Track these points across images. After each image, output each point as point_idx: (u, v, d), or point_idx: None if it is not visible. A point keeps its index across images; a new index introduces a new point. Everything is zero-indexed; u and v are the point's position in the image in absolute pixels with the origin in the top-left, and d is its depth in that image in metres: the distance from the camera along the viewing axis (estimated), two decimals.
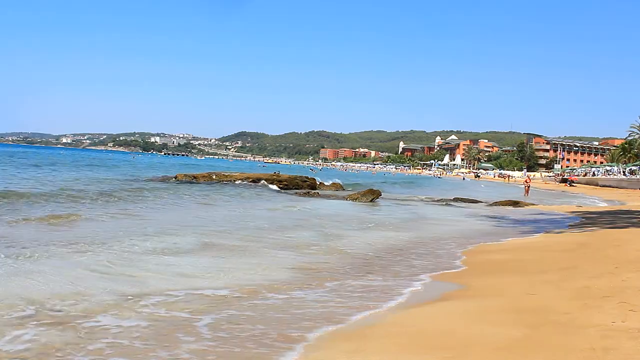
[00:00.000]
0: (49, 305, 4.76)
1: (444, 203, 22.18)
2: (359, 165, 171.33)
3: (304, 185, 26.08)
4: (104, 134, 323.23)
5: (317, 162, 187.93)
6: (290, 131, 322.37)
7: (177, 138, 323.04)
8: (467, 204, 22.48)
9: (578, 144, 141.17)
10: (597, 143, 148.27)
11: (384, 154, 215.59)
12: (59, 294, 5.12)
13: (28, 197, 13.76)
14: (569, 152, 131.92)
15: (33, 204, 12.68)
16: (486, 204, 22.38)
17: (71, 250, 7.31)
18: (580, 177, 71.68)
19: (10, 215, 10.46)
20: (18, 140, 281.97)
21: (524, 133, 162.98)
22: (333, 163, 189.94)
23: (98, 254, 7.07)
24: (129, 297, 5.21)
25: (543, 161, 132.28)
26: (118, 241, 8.08)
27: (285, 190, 24.33)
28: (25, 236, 8.27)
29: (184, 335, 4.27)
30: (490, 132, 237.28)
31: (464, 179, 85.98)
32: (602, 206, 25.22)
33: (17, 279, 5.56)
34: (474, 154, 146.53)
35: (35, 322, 4.32)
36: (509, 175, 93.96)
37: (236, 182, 26.08)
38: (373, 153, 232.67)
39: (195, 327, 4.48)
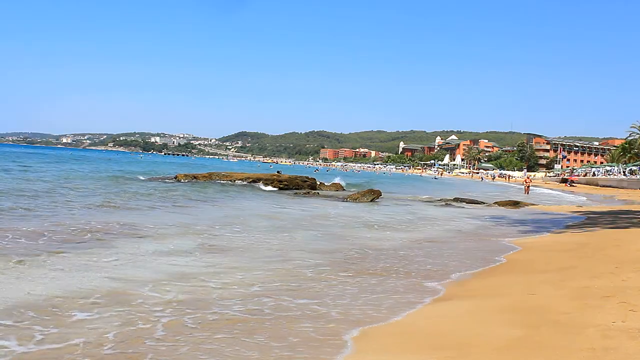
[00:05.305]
0: None
1: (443, 204, 22.15)
2: (359, 165, 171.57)
3: (304, 186, 26.04)
4: (104, 134, 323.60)
5: (317, 162, 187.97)
6: (290, 131, 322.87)
7: (177, 138, 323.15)
8: (467, 204, 22.46)
9: (578, 144, 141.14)
10: (597, 143, 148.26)
11: (384, 154, 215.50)
12: None
13: None
14: (569, 152, 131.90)
15: None
16: (487, 205, 22.36)
17: None
18: (581, 177, 71.63)
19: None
20: (18, 140, 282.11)
21: (524, 133, 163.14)
22: (333, 163, 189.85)
23: None
24: None
25: (543, 161, 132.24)
26: None
27: (286, 190, 24.34)
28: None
29: None
30: (490, 132, 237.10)
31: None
32: (603, 206, 25.20)
33: None
34: (474, 154, 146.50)
35: None
36: (509, 176, 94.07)
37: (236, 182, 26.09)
38: (373, 153, 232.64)
39: None
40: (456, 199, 24.08)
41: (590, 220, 15.83)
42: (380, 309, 5.27)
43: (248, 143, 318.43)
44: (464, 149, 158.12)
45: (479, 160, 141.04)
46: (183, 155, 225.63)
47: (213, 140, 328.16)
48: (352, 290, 6.00)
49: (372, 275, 6.86)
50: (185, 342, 4.12)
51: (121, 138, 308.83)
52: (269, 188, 24.74)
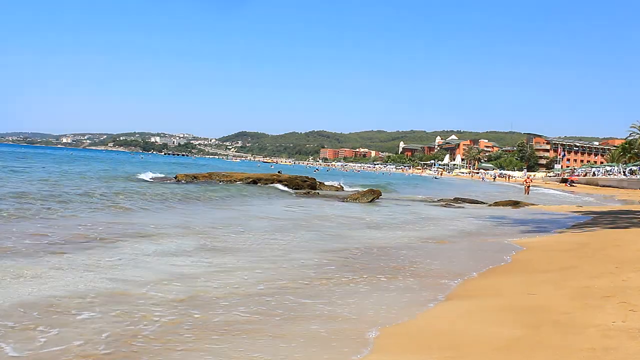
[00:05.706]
0: None
1: (444, 203, 22.16)
2: (359, 165, 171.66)
3: (304, 185, 26.05)
4: (104, 134, 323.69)
5: (317, 162, 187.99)
6: (290, 131, 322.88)
7: (177, 138, 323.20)
8: (467, 204, 22.49)
9: (578, 144, 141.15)
10: (597, 143, 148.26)
11: (384, 154, 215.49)
12: None
13: None
14: (569, 152, 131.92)
15: None
16: (487, 205, 22.38)
17: None
18: (581, 177, 71.67)
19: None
20: (18, 140, 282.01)
21: (524, 133, 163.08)
22: (333, 163, 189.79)
23: None
24: None
25: (543, 161, 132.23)
26: None
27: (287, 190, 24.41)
28: None
29: None
30: (490, 132, 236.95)
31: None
32: (603, 206, 25.22)
33: None
34: (474, 154, 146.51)
35: None
36: (509, 176, 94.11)
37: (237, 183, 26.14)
38: (373, 153, 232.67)
39: None
40: (456, 199, 24.09)
41: (591, 220, 15.84)
42: (384, 310, 5.28)
43: (248, 143, 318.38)
44: (464, 149, 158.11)
45: (479, 160, 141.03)
46: (183, 155, 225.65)
47: (213, 140, 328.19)
48: (361, 290, 6.01)
49: (379, 275, 6.86)
50: (188, 343, 4.13)
51: (121, 138, 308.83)
52: (279, 186, 24.85)
